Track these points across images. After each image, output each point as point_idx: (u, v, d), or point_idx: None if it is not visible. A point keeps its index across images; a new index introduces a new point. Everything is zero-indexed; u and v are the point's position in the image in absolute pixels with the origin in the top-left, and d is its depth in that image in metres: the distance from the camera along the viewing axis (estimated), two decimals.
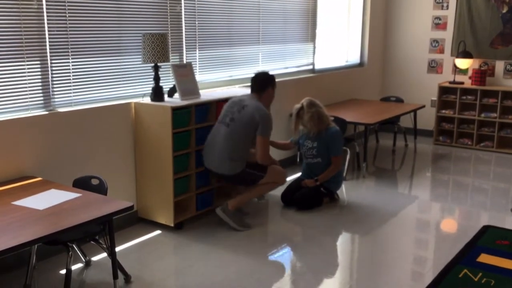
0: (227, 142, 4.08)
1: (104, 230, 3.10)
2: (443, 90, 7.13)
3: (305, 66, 6.27)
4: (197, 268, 3.59)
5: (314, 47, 6.36)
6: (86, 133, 3.82)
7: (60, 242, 3.01)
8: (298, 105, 4.75)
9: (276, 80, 5.59)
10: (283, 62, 5.92)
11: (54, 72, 3.63)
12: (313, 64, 6.39)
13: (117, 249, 3.75)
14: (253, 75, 4.38)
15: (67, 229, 2.63)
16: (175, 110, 3.97)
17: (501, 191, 5.35)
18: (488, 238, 4.03)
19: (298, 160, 6.01)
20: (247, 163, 4.14)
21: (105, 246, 3.15)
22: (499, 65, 6.94)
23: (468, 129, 7.00)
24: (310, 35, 6.26)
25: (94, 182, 3.34)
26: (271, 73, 4.42)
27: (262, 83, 4.28)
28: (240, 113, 4.11)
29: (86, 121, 3.81)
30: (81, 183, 3.34)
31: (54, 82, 3.65)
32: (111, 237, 3.02)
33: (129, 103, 4.12)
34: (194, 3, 4.62)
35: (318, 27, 6.36)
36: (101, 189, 3.26)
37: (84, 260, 3.58)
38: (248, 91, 4.61)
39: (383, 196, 5.11)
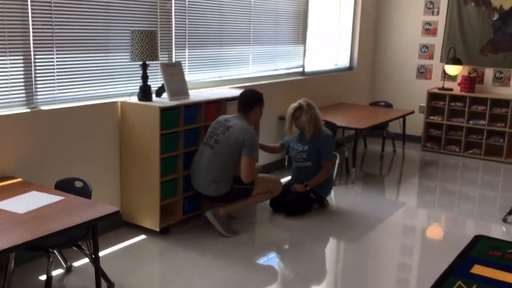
0: (211, 164, 3.95)
1: (87, 235, 2.95)
2: (432, 96, 7.09)
3: (295, 68, 6.17)
4: (183, 275, 3.45)
5: (305, 50, 6.25)
6: (70, 133, 3.66)
7: (41, 248, 2.86)
8: (294, 105, 4.60)
9: (266, 82, 5.58)
10: (273, 64, 5.81)
11: (37, 68, 3.47)
12: (303, 66, 6.29)
13: (100, 254, 3.58)
14: (240, 93, 4.21)
15: (49, 235, 2.48)
16: (164, 110, 3.83)
17: (488, 199, 5.32)
18: (480, 249, 3.96)
19: (286, 163, 5.90)
20: (234, 177, 4.02)
21: (88, 252, 3.00)
22: (489, 73, 6.91)
23: (456, 136, 6.96)
24: (300, 37, 6.16)
25: (78, 184, 3.19)
26: (259, 91, 4.25)
27: (249, 102, 4.11)
28: (224, 134, 3.97)
29: (70, 120, 3.65)
30: (64, 185, 3.18)
31: (38, 79, 3.48)
32: (95, 243, 2.87)
33: (115, 102, 3.96)
34: (185, 1, 4.48)
35: (308, 29, 6.26)
36: (85, 192, 3.11)
37: (65, 266, 3.43)
38: (237, 92, 4.49)
39: (372, 203, 5.03)
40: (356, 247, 4.07)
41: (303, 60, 6.28)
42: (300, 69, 6.27)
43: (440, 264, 3.68)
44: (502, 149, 6.70)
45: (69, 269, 3.43)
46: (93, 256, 2.89)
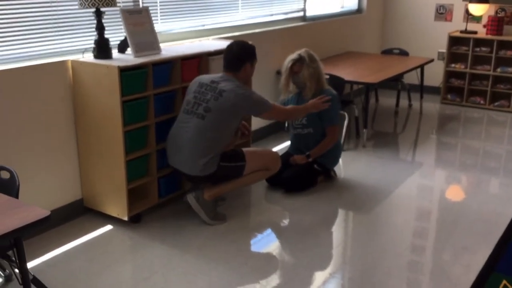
0: (200, 137, 3.18)
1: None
2: (453, 41, 6.35)
3: (294, 12, 5.36)
4: (155, 280, 2.74)
5: None
6: (1, 105, 2.86)
7: None
8: (293, 56, 3.81)
9: (259, 30, 4.73)
10: (268, 8, 4.97)
11: None
12: (304, 10, 5.46)
13: (55, 252, 3.00)
14: (226, 47, 3.37)
15: None
16: (124, 71, 3.01)
17: None
18: None
19: (286, 126, 5.11)
20: (220, 155, 3.27)
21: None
22: None
23: (481, 86, 6.27)
24: None
25: (4, 175, 2.42)
26: (250, 42, 3.43)
27: (237, 60, 3.30)
28: (217, 100, 3.18)
29: (1, 87, 2.84)
30: None
31: None
32: (21, 256, 2.13)
33: (64, 62, 3.14)
34: None
35: None
36: (11, 185, 2.35)
37: (2, 275, 2.72)
38: (223, 43, 3.66)
39: (386, 168, 4.35)
40: (368, 225, 3.39)
41: (304, 3, 5.46)
42: (301, 14, 5.46)
43: (477, 249, 3.00)
44: None
45: (8, 279, 2.72)
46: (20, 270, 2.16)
